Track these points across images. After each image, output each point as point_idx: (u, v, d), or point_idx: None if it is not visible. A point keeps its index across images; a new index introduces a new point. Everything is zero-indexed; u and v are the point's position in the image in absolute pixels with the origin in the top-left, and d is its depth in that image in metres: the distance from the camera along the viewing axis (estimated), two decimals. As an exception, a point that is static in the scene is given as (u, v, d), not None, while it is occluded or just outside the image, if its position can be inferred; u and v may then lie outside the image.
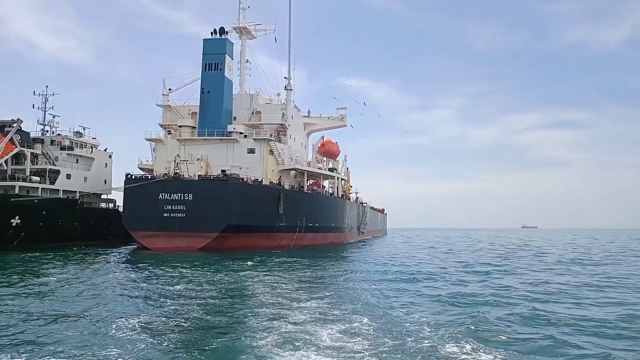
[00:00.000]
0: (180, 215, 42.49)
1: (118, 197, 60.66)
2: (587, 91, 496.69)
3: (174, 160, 44.93)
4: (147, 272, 26.42)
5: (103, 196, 56.88)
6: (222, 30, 53.12)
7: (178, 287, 20.62)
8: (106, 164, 56.68)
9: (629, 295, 20.27)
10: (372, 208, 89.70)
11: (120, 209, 58.19)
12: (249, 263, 31.50)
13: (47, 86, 54.71)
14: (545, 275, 27.53)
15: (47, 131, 54.00)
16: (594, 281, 24.95)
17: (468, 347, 11.17)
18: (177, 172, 44.18)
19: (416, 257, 42.27)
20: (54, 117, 54.40)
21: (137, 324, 13.24)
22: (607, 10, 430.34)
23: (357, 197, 79.58)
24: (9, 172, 45.74)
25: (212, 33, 52.79)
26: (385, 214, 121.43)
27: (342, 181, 68.07)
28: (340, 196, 64.06)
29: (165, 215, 42.72)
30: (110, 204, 58.03)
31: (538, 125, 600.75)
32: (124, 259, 35.93)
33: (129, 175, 45.65)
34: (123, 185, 45.24)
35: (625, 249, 58.47)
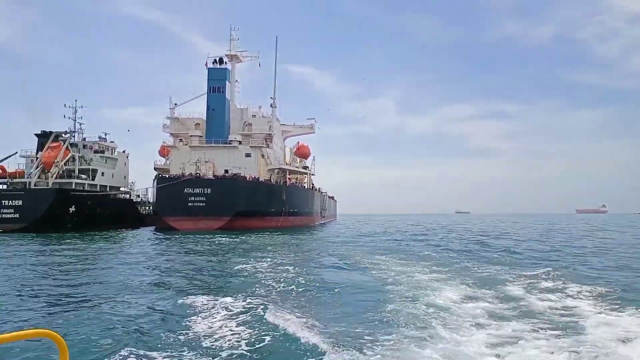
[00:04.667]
0: (201, 204, 58.00)
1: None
2: (519, 84, 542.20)
3: (196, 164, 60.26)
4: (195, 240, 42.54)
5: (122, 189, 70.84)
6: (221, 60, 68.80)
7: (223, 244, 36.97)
8: (125, 162, 70.69)
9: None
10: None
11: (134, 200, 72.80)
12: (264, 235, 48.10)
13: (76, 100, 67.49)
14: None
15: (74, 136, 67.04)
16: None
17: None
18: (197, 173, 59.65)
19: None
20: (81, 125, 67.59)
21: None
22: (537, 6, 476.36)
23: (319, 188, 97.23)
24: (60, 172, 59.30)
25: (214, 62, 68.28)
26: (336, 201, 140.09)
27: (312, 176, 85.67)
28: (311, 188, 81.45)
29: (190, 205, 58.10)
30: (127, 195, 72.09)
31: (473, 115, 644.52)
32: (161, 236, 50.48)
33: (159, 175, 60.68)
34: (155, 184, 60.11)
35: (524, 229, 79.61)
